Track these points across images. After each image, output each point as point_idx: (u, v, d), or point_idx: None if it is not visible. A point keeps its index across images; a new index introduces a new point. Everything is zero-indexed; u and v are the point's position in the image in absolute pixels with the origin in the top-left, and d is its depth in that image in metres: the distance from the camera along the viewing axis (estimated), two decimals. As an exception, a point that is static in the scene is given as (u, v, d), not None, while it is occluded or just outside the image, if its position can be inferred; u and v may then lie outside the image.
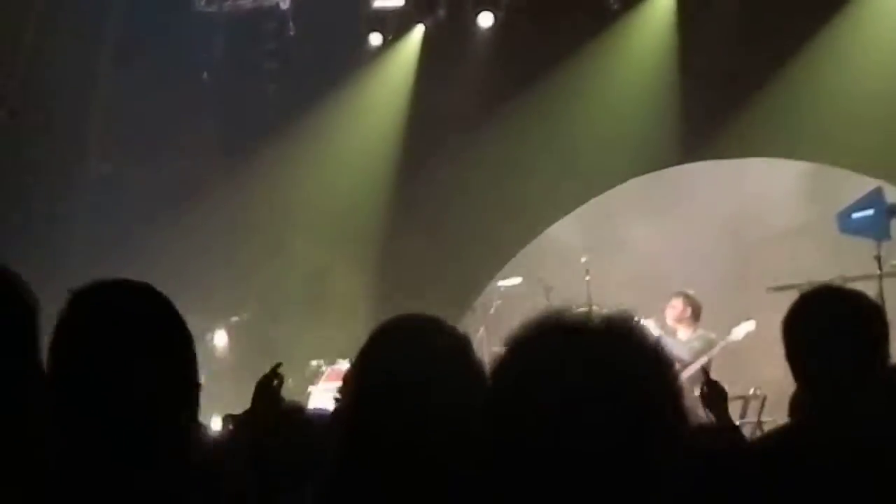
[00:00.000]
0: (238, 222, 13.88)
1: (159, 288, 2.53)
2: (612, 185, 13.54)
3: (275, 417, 3.55)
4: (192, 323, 2.60)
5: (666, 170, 13.30)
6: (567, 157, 13.51)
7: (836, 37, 12.53)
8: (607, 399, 1.54)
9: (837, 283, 8.96)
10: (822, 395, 3.23)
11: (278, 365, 4.31)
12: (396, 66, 14.64)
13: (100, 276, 2.48)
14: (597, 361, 1.57)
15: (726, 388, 4.72)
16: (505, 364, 1.63)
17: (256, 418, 3.49)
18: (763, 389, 10.10)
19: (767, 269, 11.49)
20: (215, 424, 6.84)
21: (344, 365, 10.46)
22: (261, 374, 5.69)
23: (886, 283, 9.44)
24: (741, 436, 4.54)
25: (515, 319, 1.71)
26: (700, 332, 10.66)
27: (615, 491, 1.52)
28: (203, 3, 13.91)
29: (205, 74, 14.00)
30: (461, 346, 2.53)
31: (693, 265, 12.18)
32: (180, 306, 2.57)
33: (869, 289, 9.13)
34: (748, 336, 10.30)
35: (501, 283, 12.45)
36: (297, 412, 4.02)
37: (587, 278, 11.29)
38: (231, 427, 3.47)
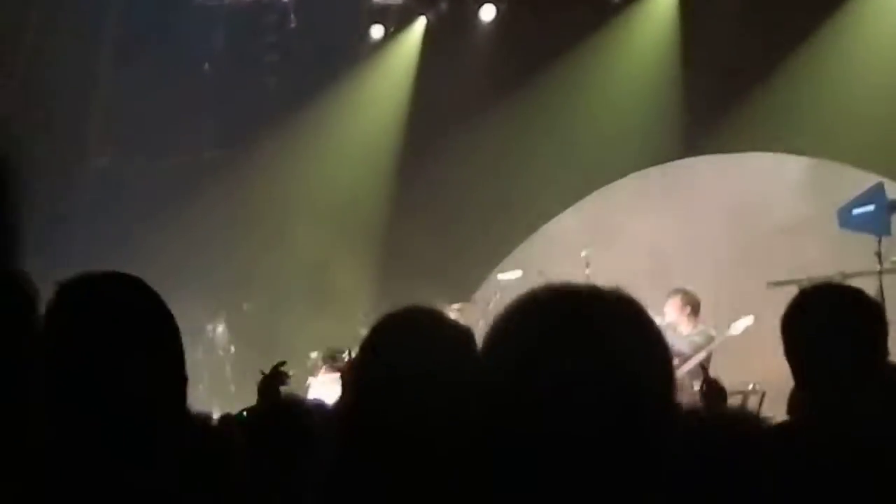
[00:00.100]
0: (239, 215, 13.89)
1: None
2: (612, 179, 13.55)
3: (276, 413, 3.56)
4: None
5: (667, 164, 13.30)
6: (568, 150, 13.51)
7: (839, 32, 12.52)
8: (599, 381, 1.54)
9: (837, 279, 8.99)
10: (822, 394, 3.23)
11: (281, 363, 4.30)
12: (398, 58, 14.64)
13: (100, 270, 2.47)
14: (589, 341, 1.57)
15: (726, 383, 4.73)
16: (496, 344, 1.64)
17: (259, 415, 3.50)
18: (762, 385, 10.10)
19: (768, 265, 11.49)
20: (215, 415, 6.83)
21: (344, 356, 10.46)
22: (262, 366, 5.70)
23: (886, 279, 9.44)
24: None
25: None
26: (700, 327, 10.66)
27: (611, 472, 1.53)
28: (204, -4, 13.92)
29: (206, 66, 14.00)
30: (463, 338, 2.54)
31: (694, 259, 12.19)
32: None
33: (869, 285, 9.17)
34: (747, 331, 10.30)
35: (501, 276, 12.46)
36: (297, 405, 4.03)
37: (587, 272, 11.29)
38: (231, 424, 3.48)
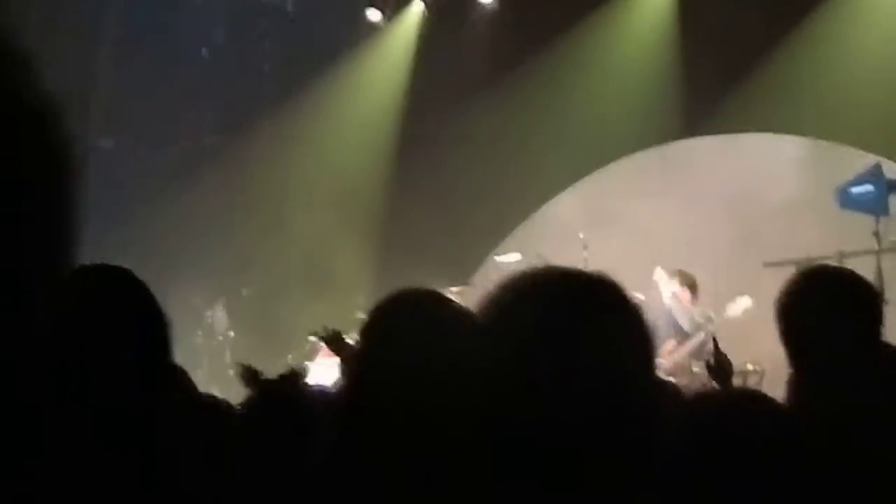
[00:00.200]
0: (238, 201, 13.89)
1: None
2: (610, 161, 13.54)
3: (274, 397, 3.55)
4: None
5: (665, 145, 13.30)
6: (566, 132, 13.51)
7: (837, 11, 12.50)
8: (590, 365, 1.56)
9: (836, 259, 9.01)
10: (818, 377, 3.22)
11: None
12: (395, 41, 14.62)
13: (102, 259, 2.47)
14: (578, 327, 1.59)
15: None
16: (489, 328, 1.66)
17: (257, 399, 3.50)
18: (761, 365, 10.11)
19: (766, 245, 11.51)
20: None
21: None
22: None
23: (885, 259, 9.45)
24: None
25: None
26: (699, 309, 10.68)
27: (604, 455, 1.54)
28: (202, -20, 13.89)
29: (204, 52, 13.98)
30: (463, 320, 2.54)
31: (692, 240, 12.19)
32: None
33: (868, 265, 9.19)
34: (746, 312, 10.30)
35: (499, 258, 12.47)
36: (298, 377, 4.03)
37: (585, 254, 11.30)
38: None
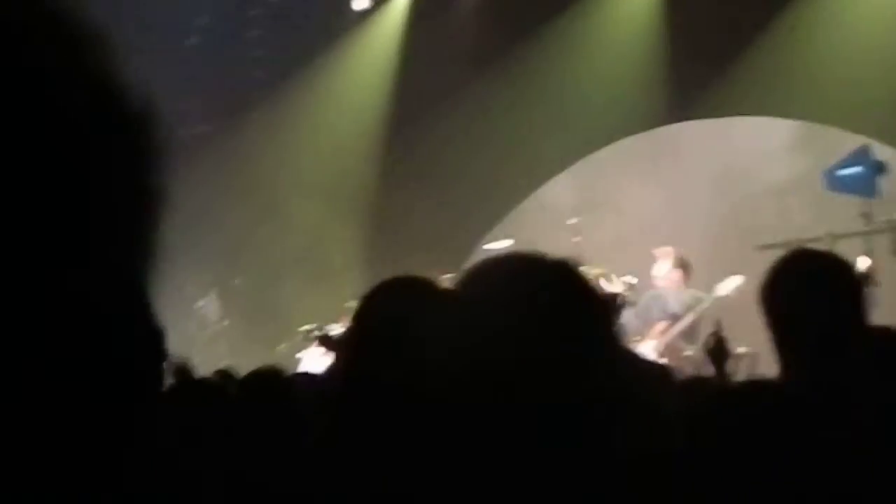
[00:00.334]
0: (229, 189, 13.88)
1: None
2: (600, 146, 13.56)
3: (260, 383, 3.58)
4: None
5: (655, 129, 13.31)
6: (556, 118, 13.52)
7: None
8: (550, 349, 1.67)
9: (826, 240, 9.03)
10: (803, 361, 3.20)
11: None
12: (383, 29, 14.61)
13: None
14: (537, 314, 1.67)
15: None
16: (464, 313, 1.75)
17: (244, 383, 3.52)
18: (753, 347, 10.14)
19: (756, 227, 11.53)
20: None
21: (335, 330, 10.49)
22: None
23: (874, 240, 9.49)
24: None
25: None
26: (691, 290, 10.71)
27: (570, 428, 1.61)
28: (189, -31, 13.86)
29: (191, 41, 13.96)
30: (452, 304, 2.55)
31: (683, 224, 12.22)
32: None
33: (857, 246, 9.23)
34: (738, 291, 10.30)
35: (490, 245, 12.47)
36: (277, 374, 4.06)
37: (576, 240, 11.32)
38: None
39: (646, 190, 12.90)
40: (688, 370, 8.82)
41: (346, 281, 12.36)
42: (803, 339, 3.21)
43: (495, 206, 13.87)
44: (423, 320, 2.46)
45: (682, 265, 10.77)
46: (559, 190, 13.67)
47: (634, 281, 10.55)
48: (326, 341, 6.31)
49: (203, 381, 3.97)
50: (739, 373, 10.29)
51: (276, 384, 3.84)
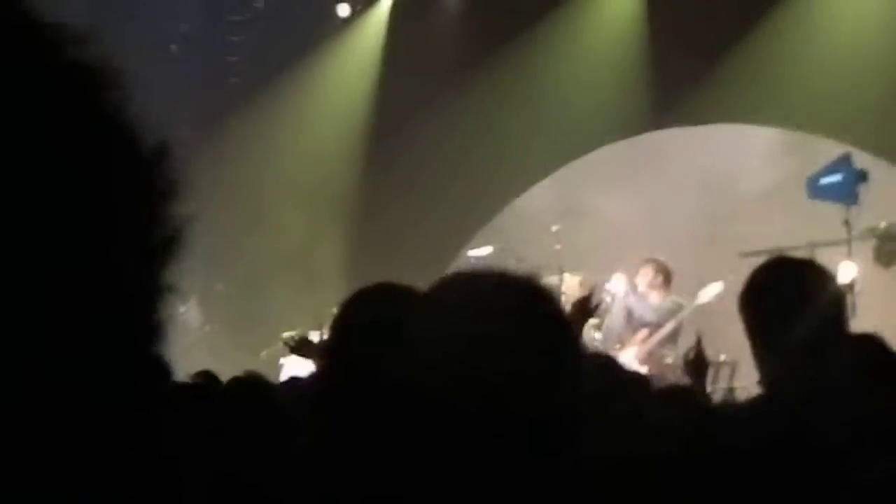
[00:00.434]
0: (211, 194, 13.85)
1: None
2: (582, 154, 13.58)
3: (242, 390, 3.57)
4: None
5: (637, 136, 13.34)
6: (537, 125, 13.54)
7: (806, 1, 12.58)
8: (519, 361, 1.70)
9: (807, 248, 9.07)
10: (782, 370, 3.21)
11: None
12: (366, 35, 14.62)
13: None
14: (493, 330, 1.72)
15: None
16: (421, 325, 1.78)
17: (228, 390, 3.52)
18: (734, 355, 10.16)
19: (738, 235, 11.56)
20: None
21: (315, 336, 10.48)
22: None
23: (855, 247, 9.53)
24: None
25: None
26: (671, 297, 10.72)
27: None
28: (171, -25, 13.84)
29: (174, 48, 13.94)
30: (431, 311, 2.56)
31: (664, 231, 12.24)
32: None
33: (839, 254, 9.27)
34: (719, 298, 10.31)
35: (471, 252, 12.47)
36: (259, 381, 4.05)
37: (558, 247, 11.33)
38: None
39: (627, 197, 12.93)
40: (669, 378, 8.82)
41: (329, 287, 12.34)
42: (783, 346, 3.22)
43: (478, 213, 13.88)
44: (402, 327, 2.46)
45: (664, 272, 10.78)
46: (541, 196, 13.68)
47: (616, 288, 10.57)
48: (299, 348, 6.29)
49: (185, 385, 3.97)
50: (720, 380, 10.35)
51: (257, 390, 3.84)
